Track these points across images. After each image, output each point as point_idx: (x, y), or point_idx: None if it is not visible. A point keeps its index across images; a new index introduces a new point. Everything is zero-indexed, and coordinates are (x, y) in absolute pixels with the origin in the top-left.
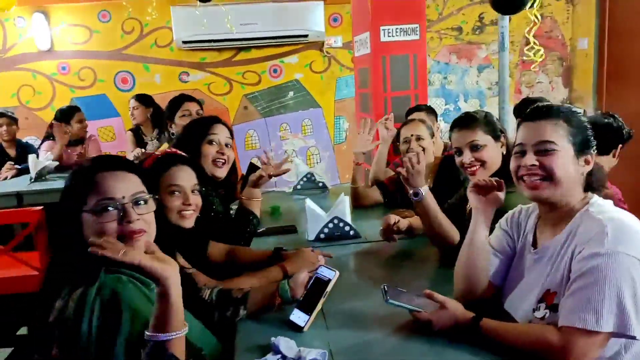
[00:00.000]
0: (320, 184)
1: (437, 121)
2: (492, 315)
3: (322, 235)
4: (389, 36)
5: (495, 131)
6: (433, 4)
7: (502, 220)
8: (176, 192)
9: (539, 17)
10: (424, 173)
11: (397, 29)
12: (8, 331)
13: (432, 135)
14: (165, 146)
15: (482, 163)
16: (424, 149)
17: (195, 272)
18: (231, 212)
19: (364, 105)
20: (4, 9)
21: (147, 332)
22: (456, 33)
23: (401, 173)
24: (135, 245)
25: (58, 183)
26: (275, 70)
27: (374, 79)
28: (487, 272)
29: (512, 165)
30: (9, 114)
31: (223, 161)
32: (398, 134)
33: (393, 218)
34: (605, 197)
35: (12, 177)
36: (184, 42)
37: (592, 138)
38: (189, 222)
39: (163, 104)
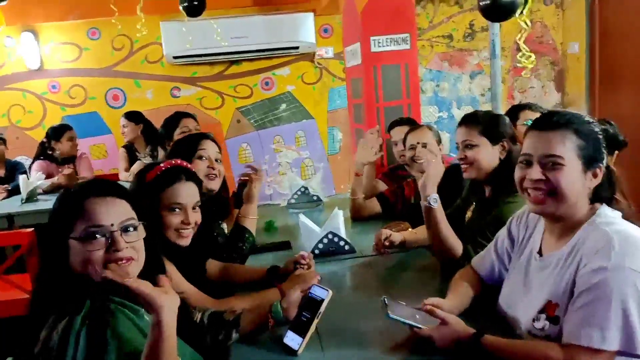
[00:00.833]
0: (315, 197)
1: None
2: (493, 329)
3: (316, 251)
4: (379, 46)
5: (494, 134)
6: (423, 12)
7: (512, 222)
8: (177, 210)
9: (529, 23)
10: (439, 180)
11: (387, 39)
12: None
13: (439, 141)
14: None
15: (471, 163)
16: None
17: (187, 295)
18: (222, 227)
19: (357, 116)
20: None
21: None
22: (447, 40)
23: (416, 179)
24: (123, 272)
25: (49, 204)
26: (267, 83)
27: (366, 90)
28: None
29: (517, 174)
30: None
31: (215, 175)
32: (405, 140)
33: (384, 233)
34: (619, 208)
35: (3, 199)
36: (175, 57)
37: (602, 149)
38: (185, 241)
39: (155, 119)
